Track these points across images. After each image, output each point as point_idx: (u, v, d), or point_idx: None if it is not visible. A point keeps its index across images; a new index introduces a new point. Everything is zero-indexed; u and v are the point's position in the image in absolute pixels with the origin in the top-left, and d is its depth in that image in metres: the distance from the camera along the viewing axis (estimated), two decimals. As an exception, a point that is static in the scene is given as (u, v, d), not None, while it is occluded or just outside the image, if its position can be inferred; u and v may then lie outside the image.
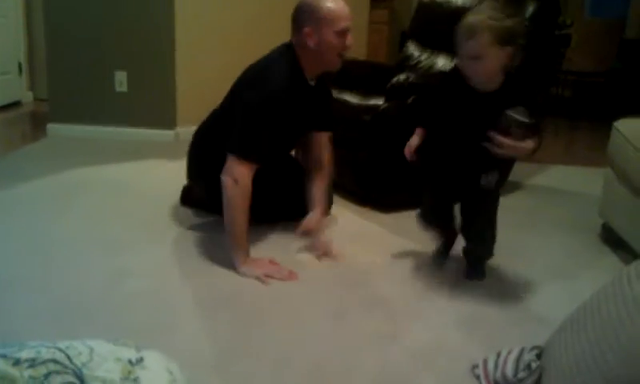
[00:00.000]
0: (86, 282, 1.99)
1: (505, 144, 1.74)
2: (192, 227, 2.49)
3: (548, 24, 3.07)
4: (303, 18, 2.13)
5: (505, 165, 2.14)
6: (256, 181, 2.09)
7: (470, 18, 1.76)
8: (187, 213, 2.65)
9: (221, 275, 2.07)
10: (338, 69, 2.22)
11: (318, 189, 2.36)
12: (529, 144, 1.76)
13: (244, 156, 2.07)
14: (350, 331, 1.75)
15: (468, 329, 1.78)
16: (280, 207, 2.51)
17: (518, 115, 1.73)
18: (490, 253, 2.10)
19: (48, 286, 1.94)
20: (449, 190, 2.03)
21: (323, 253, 2.24)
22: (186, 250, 2.27)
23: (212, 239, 2.35)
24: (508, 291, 2.04)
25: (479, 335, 1.75)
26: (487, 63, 1.75)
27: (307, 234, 2.26)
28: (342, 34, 2.12)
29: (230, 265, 2.10)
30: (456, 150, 1.92)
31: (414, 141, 1.99)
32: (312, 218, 2.27)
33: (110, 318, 1.78)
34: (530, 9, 2.95)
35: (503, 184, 3.06)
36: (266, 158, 2.12)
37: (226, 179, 2.06)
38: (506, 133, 1.74)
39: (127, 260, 2.16)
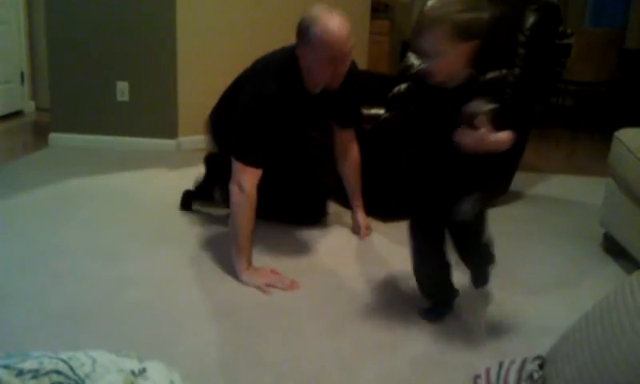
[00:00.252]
0: (87, 292, 1.99)
1: (469, 141, 1.61)
2: (193, 237, 2.49)
3: (548, 33, 3.08)
4: (299, 36, 2.08)
5: (487, 182, 1.89)
6: (264, 177, 2.13)
7: (428, 13, 1.69)
8: (188, 222, 2.65)
9: (222, 284, 2.07)
10: (334, 89, 2.16)
11: (352, 187, 2.56)
12: (503, 136, 1.62)
13: (243, 160, 2.09)
14: (350, 341, 1.75)
15: (470, 339, 1.78)
16: (285, 204, 2.59)
17: (475, 108, 1.61)
18: (490, 261, 2.00)
19: (49, 296, 1.94)
20: (433, 206, 1.83)
21: (357, 230, 2.56)
22: (187, 259, 2.27)
23: (214, 248, 2.35)
24: (509, 301, 2.04)
25: (481, 345, 1.74)
26: (447, 59, 1.63)
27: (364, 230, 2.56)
28: (332, 61, 2.04)
29: (232, 273, 2.10)
30: (432, 157, 1.77)
31: None
32: (360, 221, 2.56)
33: (112, 328, 1.78)
34: (531, 18, 2.97)
35: (497, 196, 3.08)
36: (265, 159, 2.12)
37: (232, 187, 2.09)
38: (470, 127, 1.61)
39: (128, 269, 2.16)
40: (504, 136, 1.63)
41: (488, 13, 1.68)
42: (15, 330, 1.74)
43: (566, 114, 5.93)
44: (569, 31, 5.21)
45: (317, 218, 2.67)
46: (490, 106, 1.62)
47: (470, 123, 1.61)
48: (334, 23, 2.01)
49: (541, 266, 2.36)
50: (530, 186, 3.47)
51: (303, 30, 2.05)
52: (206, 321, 1.84)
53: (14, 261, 2.19)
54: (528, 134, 3.14)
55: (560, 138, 5.25)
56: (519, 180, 3.26)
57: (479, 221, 1.84)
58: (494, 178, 1.83)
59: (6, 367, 0.80)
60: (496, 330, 1.84)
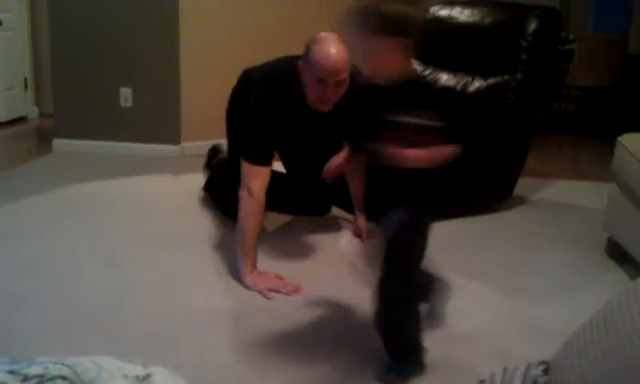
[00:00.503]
0: (91, 297, 1.99)
1: (390, 154, 1.44)
2: (197, 241, 2.49)
3: (551, 39, 3.09)
4: (305, 51, 2.17)
5: (423, 199, 1.58)
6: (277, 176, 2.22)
7: (358, 3, 1.51)
8: (192, 226, 2.65)
9: (226, 288, 2.07)
10: (327, 111, 2.20)
11: (355, 196, 2.60)
12: (438, 152, 1.45)
13: (251, 158, 2.13)
14: (353, 344, 1.74)
15: (474, 344, 1.78)
16: (295, 196, 2.70)
17: (410, 117, 1.44)
18: (400, 317, 1.61)
19: (54, 301, 1.94)
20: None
21: (359, 234, 2.58)
22: (191, 263, 2.28)
23: (217, 252, 2.35)
24: (514, 306, 2.03)
25: (486, 350, 1.74)
26: (372, 54, 1.49)
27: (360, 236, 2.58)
28: (322, 83, 2.10)
29: (236, 277, 2.10)
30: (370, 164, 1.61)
31: None
32: (362, 225, 2.58)
33: (115, 333, 1.78)
34: (533, 24, 2.97)
35: (499, 201, 3.07)
36: (268, 160, 2.16)
37: (241, 192, 2.12)
38: (395, 138, 1.44)
39: (132, 274, 2.16)
40: (435, 153, 1.45)
41: (422, 10, 1.53)
42: (19, 335, 1.74)
43: (568, 119, 5.92)
44: (571, 37, 5.22)
45: (324, 209, 2.80)
46: (420, 121, 1.44)
47: (392, 136, 1.45)
48: (332, 50, 2.08)
49: (544, 270, 2.36)
50: (533, 191, 3.46)
51: (307, 47, 2.16)
52: (210, 325, 1.84)
53: (18, 265, 2.20)
54: (531, 139, 3.14)
55: (562, 143, 5.24)
56: (522, 185, 3.26)
57: (399, 250, 1.55)
58: (432, 197, 1.61)
59: (11, 373, 0.80)
60: (500, 335, 1.83)
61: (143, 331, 1.79)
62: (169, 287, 2.08)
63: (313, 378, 1.59)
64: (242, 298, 2.01)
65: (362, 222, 2.59)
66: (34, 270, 2.16)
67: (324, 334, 1.81)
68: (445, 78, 3.19)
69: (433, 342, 1.77)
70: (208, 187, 2.94)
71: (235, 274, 2.12)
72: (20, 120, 4.96)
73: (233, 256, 2.17)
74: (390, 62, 1.48)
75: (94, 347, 1.65)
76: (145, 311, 1.91)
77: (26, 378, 0.80)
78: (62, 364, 0.85)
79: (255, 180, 2.11)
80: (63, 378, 0.81)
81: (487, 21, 3.16)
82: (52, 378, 0.81)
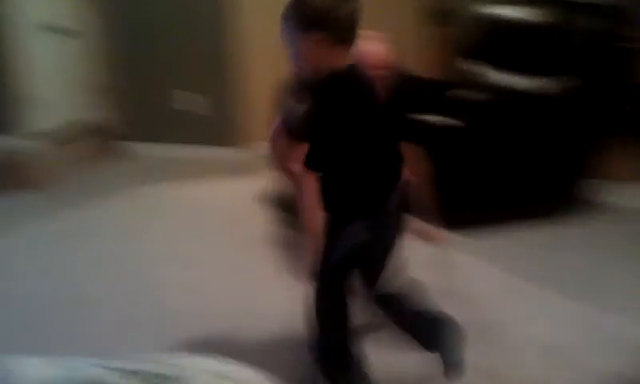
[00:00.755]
0: (163, 298, 2.05)
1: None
2: (263, 244, 2.52)
3: (610, 37, 2.97)
4: None
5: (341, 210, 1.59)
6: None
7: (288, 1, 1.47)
8: (258, 230, 2.67)
9: (292, 291, 2.08)
10: None
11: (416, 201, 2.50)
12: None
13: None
14: (413, 360, 1.70)
15: (545, 354, 1.74)
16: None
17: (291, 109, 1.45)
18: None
19: (120, 301, 2.01)
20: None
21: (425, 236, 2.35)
22: (258, 266, 2.32)
23: (287, 251, 2.39)
24: (586, 315, 1.97)
25: (557, 361, 1.70)
26: (295, 51, 1.46)
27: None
28: None
29: (300, 279, 2.11)
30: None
31: None
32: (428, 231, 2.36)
33: (189, 334, 1.83)
34: (597, 22, 2.87)
35: (559, 204, 2.94)
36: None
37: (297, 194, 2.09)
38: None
39: (200, 275, 2.21)
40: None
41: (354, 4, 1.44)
42: (86, 334, 1.81)
43: (631, 118, 5.70)
44: (633, 34, 5.04)
45: None
46: (300, 108, 1.44)
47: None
48: (367, 48, 2.05)
49: (616, 279, 2.27)
50: (599, 194, 3.33)
51: None
52: (286, 326, 1.85)
53: (94, 269, 2.29)
54: (594, 143, 3.02)
55: (627, 143, 5.04)
56: (588, 188, 3.14)
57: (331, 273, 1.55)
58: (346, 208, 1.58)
59: (105, 368, 0.84)
60: (574, 346, 1.78)
61: (215, 332, 1.84)
62: (236, 290, 2.13)
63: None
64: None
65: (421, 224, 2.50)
66: (110, 271, 2.26)
67: (380, 340, 1.79)
68: (495, 77, 3.12)
69: (502, 350, 1.74)
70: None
71: (300, 275, 2.12)
72: (83, 124, 5.11)
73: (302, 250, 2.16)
74: (310, 56, 1.44)
75: (169, 346, 1.70)
76: (212, 313, 1.95)
77: (121, 374, 0.83)
78: (150, 361, 0.88)
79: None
80: (153, 375, 0.84)
81: (541, 18, 3.06)
82: (144, 374, 0.83)
